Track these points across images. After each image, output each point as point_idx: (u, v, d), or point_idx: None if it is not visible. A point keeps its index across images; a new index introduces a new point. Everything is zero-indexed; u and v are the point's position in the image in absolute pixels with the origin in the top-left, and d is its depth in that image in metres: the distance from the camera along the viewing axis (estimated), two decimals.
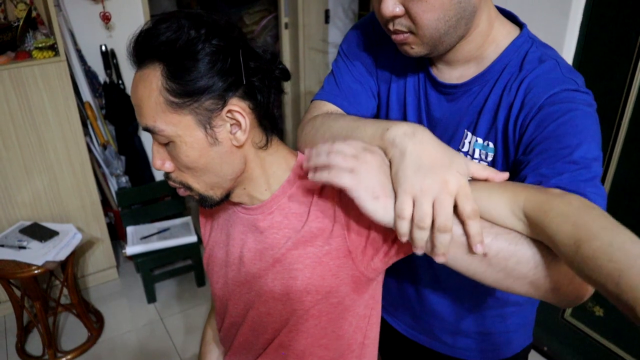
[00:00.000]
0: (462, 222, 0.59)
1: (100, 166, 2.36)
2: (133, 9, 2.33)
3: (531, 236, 0.59)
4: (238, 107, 0.70)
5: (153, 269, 2.37)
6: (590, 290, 0.60)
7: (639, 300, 0.45)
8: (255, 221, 0.81)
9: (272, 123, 0.77)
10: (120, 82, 2.35)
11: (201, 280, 2.47)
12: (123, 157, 2.40)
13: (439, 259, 0.60)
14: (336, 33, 3.26)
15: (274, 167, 0.78)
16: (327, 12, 3.27)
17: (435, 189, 0.58)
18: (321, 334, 0.82)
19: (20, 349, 2.08)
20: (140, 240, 2.33)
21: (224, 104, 0.69)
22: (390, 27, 0.74)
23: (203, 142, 0.70)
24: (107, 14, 2.22)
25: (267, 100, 0.73)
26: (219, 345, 1.08)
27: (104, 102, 2.34)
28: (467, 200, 0.58)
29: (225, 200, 0.79)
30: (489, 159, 0.80)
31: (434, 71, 0.84)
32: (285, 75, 0.76)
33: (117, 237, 2.60)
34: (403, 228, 0.60)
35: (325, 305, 0.79)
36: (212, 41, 0.67)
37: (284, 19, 3.35)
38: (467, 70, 0.81)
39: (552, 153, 0.65)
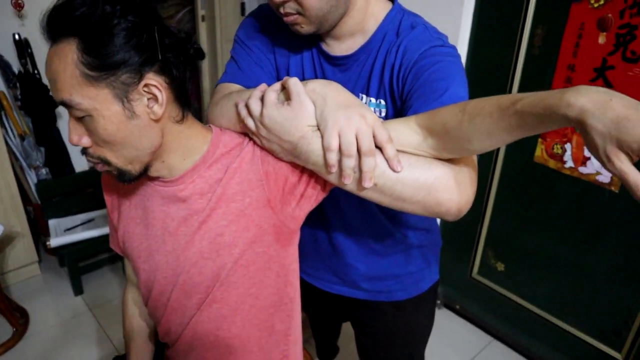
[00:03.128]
0: (381, 148, 0.72)
1: (17, 159, 2.29)
2: None
3: (429, 146, 0.73)
4: (154, 81, 0.73)
5: (78, 260, 2.34)
6: (464, 203, 0.75)
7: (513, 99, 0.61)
8: (176, 192, 0.85)
9: (186, 99, 0.81)
10: (36, 71, 2.29)
11: None
12: (42, 149, 2.34)
13: (367, 184, 0.72)
14: None
15: (192, 140, 0.83)
16: (243, 5, 3.33)
17: (356, 121, 0.70)
18: (250, 283, 0.88)
19: None
20: (65, 232, 2.29)
21: (141, 78, 0.72)
22: (282, 10, 0.86)
23: (121, 116, 0.72)
24: (19, 1, 2.16)
25: (182, 76, 0.78)
26: (146, 319, 1.11)
27: (19, 92, 2.27)
28: (383, 129, 0.72)
29: (144, 175, 0.82)
30: (383, 114, 0.94)
31: (325, 47, 0.96)
32: (200, 54, 0.81)
33: (38, 232, 2.53)
34: (332, 159, 0.72)
35: (252, 255, 0.86)
36: (127, 17, 0.70)
37: (201, 12, 3.37)
38: (353, 42, 0.94)
39: (427, 97, 0.80)
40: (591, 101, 0.52)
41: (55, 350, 2.04)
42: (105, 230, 2.30)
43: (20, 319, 2.14)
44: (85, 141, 0.75)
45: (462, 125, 0.67)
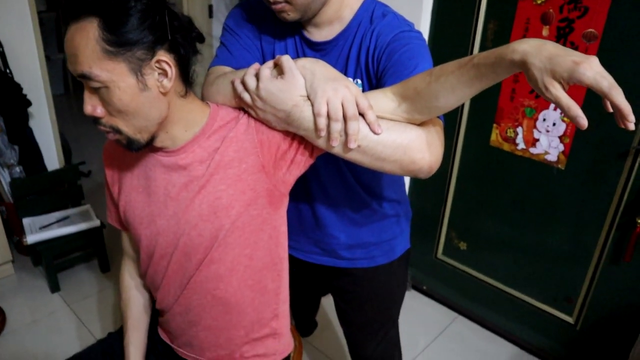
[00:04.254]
0: (363, 114, 0.84)
1: None
2: None
3: (402, 110, 0.86)
4: (165, 58, 0.83)
5: (55, 257, 2.35)
6: (435, 161, 0.88)
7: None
8: (177, 160, 0.94)
9: (189, 77, 0.91)
10: (8, 70, 2.31)
11: (105, 266, 2.50)
12: (17, 147, 2.35)
13: (352, 144, 0.85)
14: (219, 27, 3.42)
15: (192, 113, 0.93)
16: (210, 8, 3.42)
17: (341, 91, 0.82)
18: (245, 244, 0.97)
19: None
20: (40, 229, 2.31)
21: (153, 55, 0.82)
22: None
23: (134, 88, 0.81)
24: None
25: (187, 55, 0.88)
26: (141, 291, 1.18)
27: None
28: (364, 98, 0.84)
29: (150, 144, 0.91)
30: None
31: (306, 34, 1.08)
32: (200, 38, 0.92)
33: (10, 232, 2.53)
34: (322, 124, 0.83)
35: (247, 217, 0.95)
36: (142, 0, 0.80)
37: None
38: (332, 29, 1.06)
39: (399, 74, 0.93)
40: (530, 46, 0.68)
41: (36, 346, 2.06)
42: (82, 226, 2.34)
43: None
44: (100, 111, 0.84)
45: (430, 85, 0.81)
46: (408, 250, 1.34)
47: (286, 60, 0.86)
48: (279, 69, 0.88)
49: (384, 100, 0.88)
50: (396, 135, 0.86)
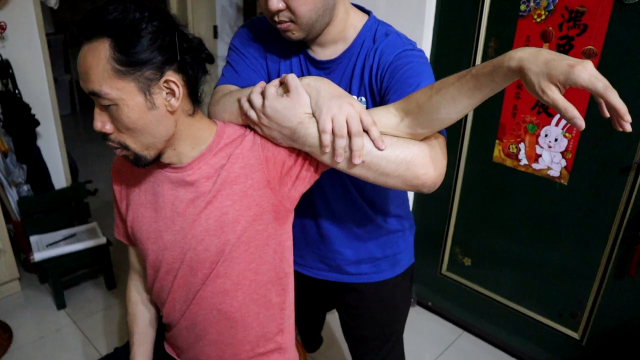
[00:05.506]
0: (367, 131, 0.86)
1: None
2: (27, 19, 2.36)
3: (405, 126, 0.88)
4: (173, 78, 0.85)
5: (62, 275, 2.37)
6: (438, 176, 0.90)
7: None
8: (184, 177, 0.96)
9: (197, 96, 0.94)
10: (17, 91, 2.35)
11: (111, 283, 2.51)
12: (25, 166, 2.39)
13: (356, 160, 0.87)
14: (224, 47, 3.48)
15: (200, 131, 0.95)
16: (215, 28, 3.49)
17: (345, 108, 0.85)
18: (250, 259, 0.99)
19: None
20: (47, 247, 2.33)
21: (162, 75, 0.84)
22: (276, 19, 1.00)
23: (142, 106, 0.84)
24: (1, 23, 2.23)
25: (196, 76, 0.91)
26: (147, 306, 1.20)
27: (0, 112, 2.32)
28: (368, 115, 0.86)
29: (157, 161, 0.93)
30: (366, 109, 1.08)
31: (311, 53, 1.11)
32: (210, 59, 0.95)
33: (18, 250, 2.55)
34: (326, 140, 0.86)
35: (253, 232, 0.97)
36: (153, 22, 0.82)
37: None
38: (336, 48, 1.09)
39: (401, 91, 0.96)
40: (526, 52, 0.71)
41: None
42: (89, 243, 2.35)
43: (4, 334, 2.15)
44: (109, 127, 0.87)
45: (431, 98, 0.83)
46: (412, 265, 1.35)
47: (291, 78, 0.89)
48: (284, 87, 0.91)
49: (387, 116, 0.90)
50: (400, 151, 0.88)
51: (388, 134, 0.90)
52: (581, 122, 0.67)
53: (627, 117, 0.66)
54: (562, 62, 0.67)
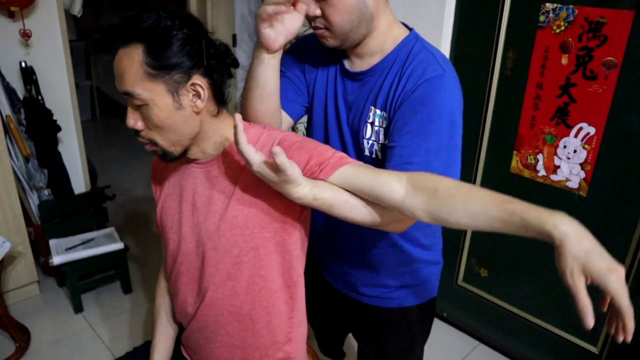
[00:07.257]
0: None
1: (19, 180, 2.37)
2: (51, 27, 2.41)
3: (410, 204, 0.85)
4: (199, 82, 0.91)
5: (80, 278, 2.40)
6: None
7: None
8: (208, 172, 1.02)
9: (222, 98, 0.99)
10: (40, 97, 2.40)
11: (127, 288, 2.53)
12: (46, 170, 2.43)
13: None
14: (242, 56, 3.51)
15: (223, 131, 1.00)
16: (234, 37, 3.53)
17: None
18: (259, 265, 1.01)
19: None
20: (66, 251, 2.36)
21: (189, 78, 0.91)
22: (313, 24, 1.04)
23: (170, 106, 0.91)
24: (27, 31, 2.29)
25: (221, 79, 0.96)
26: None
27: (22, 117, 2.37)
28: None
29: (183, 156, 1.00)
30: (384, 125, 1.07)
31: (347, 64, 1.12)
32: (235, 63, 0.99)
33: (37, 253, 2.59)
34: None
35: (261, 239, 0.99)
36: (183, 30, 0.89)
37: None
38: (372, 60, 1.09)
39: (404, 145, 0.98)
40: (572, 230, 0.69)
41: None
42: (107, 248, 2.39)
43: (22, 336, 2.18)
44: (140, 125, 0.94)
45: (454, 198, 0.80)
46: (434, 299, 1.32)
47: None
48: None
49: (395, 187, 0.86)
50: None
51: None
52: (591, 322, 0.66)
53: (629, 338, 0.67)
54: (602, 262, 0.66)
